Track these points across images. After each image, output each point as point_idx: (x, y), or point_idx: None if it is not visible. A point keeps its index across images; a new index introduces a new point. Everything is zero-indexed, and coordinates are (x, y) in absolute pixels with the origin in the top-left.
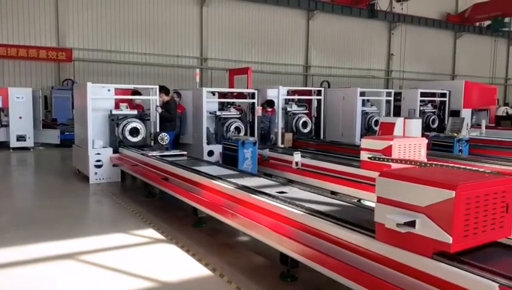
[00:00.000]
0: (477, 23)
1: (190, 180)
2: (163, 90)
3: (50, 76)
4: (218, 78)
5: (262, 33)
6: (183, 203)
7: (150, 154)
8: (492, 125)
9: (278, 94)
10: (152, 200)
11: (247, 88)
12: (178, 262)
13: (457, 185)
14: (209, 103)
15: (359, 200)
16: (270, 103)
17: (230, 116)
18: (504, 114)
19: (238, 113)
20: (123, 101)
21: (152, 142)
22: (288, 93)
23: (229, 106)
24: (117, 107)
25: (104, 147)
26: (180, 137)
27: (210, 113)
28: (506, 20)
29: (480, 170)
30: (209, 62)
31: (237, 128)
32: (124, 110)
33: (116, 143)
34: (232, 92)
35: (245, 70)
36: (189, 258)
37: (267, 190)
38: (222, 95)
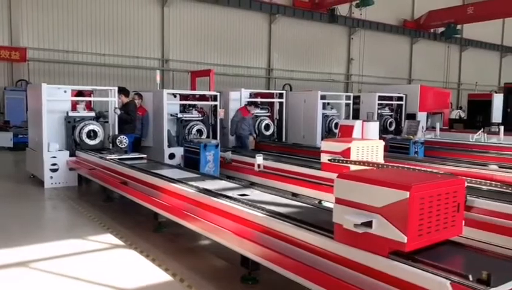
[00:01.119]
0: (432, 30)
1: (150, 184)
2: (123, 91)
3: (2, 76)
4: (180, 80)
5: (225, 35)
6: (143, 208)
7: (108, 157)
8: (446, 128)
9: (240, 97)
10: (110, 205)
11: (210, 90)
12: (137, 268)
13: (411, 186)
14: (170, 105)
15: (320, 201)
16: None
17: (192, 118)
18: (457, 117)
19: (200, 115)
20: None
21: (110, 145)
22: (251, 96)
23: (190, 108)
24: (74, 108)
25: (60, 150)
26: (142, 140)
27: (171, 115)
28: (458, 27)
29: (434, 171)
30: (171, 64)
31: (199, 131)
32: (81, 112)
33: (73, 146)
34: (194, 94)
35: (207, 73)
36: (148, 263)
37: (228, 193)
38: (184, 97)
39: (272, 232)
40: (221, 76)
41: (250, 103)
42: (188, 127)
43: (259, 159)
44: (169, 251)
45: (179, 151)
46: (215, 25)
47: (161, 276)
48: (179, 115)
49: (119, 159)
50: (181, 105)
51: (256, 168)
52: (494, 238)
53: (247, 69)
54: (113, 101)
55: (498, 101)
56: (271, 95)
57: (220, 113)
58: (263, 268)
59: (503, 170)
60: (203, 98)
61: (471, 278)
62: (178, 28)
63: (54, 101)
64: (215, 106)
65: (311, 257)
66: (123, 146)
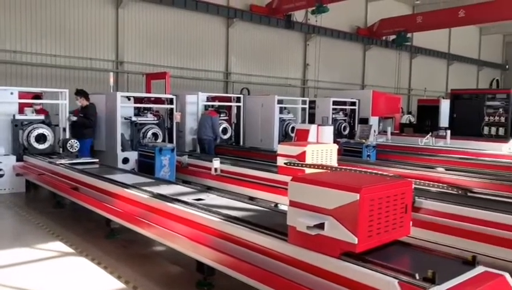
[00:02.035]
0: (384, 37)
1: (102, 190)
2: (83, 94)
3: None
4: (135, 82)
5: (182, 38)
6: (94, 214)
7: (58, 162)
8: (397, 132)
9: (197, 100)
10: (61, 212)
11: (165, 93)
12: (88, 276)
13: (361, 188)
14: (124, 108)
15: (276, 204)
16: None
17: (147, 121)
18: (407, 122)
19: (156, 118)
20: (29, 105)
21: (61, 149)
22: (208, 99)
23: (145, 111)
24: (21, 111)
25: (5, 155)
26: (94, 143)
27: (125, 118)
28: (409, 35)
29: (384, 173)
30: (125, 66)
31: (155, 135)
32: (29, 115)
33: (20, 150)
34: (149, 97)
35: (163, 75)
36: (100, 271)
37: (183, 198)
38: (138, 100)
39: (227, 237)
40: (178, 79)
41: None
42: (143, 130)
43: (216, 163)
44: (122, 257)
45: (133, 155)
46: (172, 28)
47: (113, 284)
48: (133, 118)
49: (69, 163)
50: (135, 108)
51: (213, 172)
52: (440, 238)
53: (204, 72)
54: (63, 103)
55: (445, 106)
56: (229, 99)
57: (176, 116)
58: (219, 273)
59: (449, 172)
60: (158, 101)
61: (417, 277)
62: (133, 29)
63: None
64: (171, 109)
65: (266, 260)
66: (74, 150)
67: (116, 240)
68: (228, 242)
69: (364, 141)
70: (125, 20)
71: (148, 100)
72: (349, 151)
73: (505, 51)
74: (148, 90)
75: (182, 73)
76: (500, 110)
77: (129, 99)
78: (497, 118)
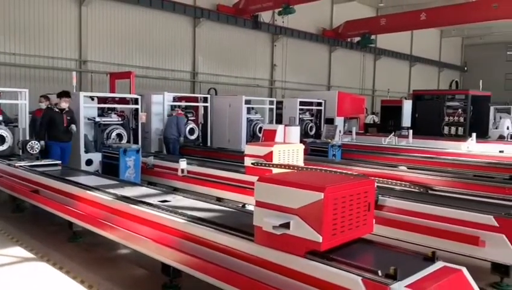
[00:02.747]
0: (349, 39)
1: (64, 192)
2: (67, 95)
3: None
4: (99, 82)
5: (147, 37)
6: (56, 218)
7: (17, 164)
8: (362, 132)
9: (163, 100)
10: (20, 216)
11: (130, 93)
12: (49, 281)
13: (326, 187)
14: (88, 109)
15: (244, 205)
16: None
17: (111, 122)
18: (371, 122)
19: (120, 119)
20: None
21: (20, 151)
22: (175, 99)
23: (109, 111)
24: None
25: None
26: None
27: (88, 119)
28: (373, 37)
29: (349, 173)
30: (89, 65)
31: (119, 136)
32: None
33: None
34: (113, 97)
35: (127, 75)
36: (62, 276)
37: (148, 200)
38: (102, 100)
39: (193, 238)
40: (143, 79)
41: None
42: (107, 131)
43: (182, 164)
44: (85, 261)
45: (96, 157)
46: (137, 27)
47: (76, 289)
48: (97, 119)
49: (29, 166)
50: (99, 108)
51: (179, 173)
52: (403, 234)
53: (171, 72)
54: (23, 104)
55: (408, 106)
56: (195, 99)
57: (142, 117)
58: (185, 275)
59: (411, 170)
60: (123, 101)
61: (380, 274)
62: (97, 28)
63: None
64: (137, 109)
65: (233, 261)
66: (34, 152)
67: (78, 244)
68: (194, 243)
69: (330, 140)
70: (88, 18)
71: (113, 100)
72: (315, 151)
73: (464, 54)
74: (112, 90)
75: (148, 73)
76: (459, 110)
77: (93, 99)
78: (456, 118)
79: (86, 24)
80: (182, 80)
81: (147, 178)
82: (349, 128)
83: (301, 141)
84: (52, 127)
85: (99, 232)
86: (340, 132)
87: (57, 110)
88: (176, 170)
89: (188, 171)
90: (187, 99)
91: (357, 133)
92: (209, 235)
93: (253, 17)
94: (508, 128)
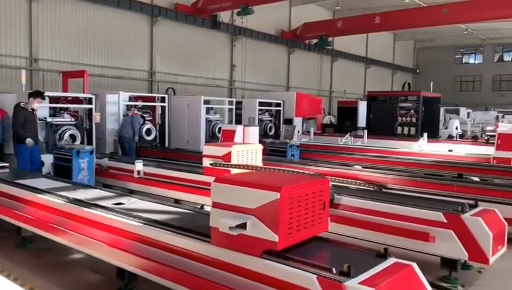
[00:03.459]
0: (307, 41)
1: (11, 196)
2: (42, 96)
3: None
4: (51, 81)
5: (103, 35)
6: (3, 223)
7: None
8: (319, 132)
9: (118, 100)
10: None
11: (84, 92)
12: None
13: (282, 187)
14: (39, 108)
15: (202, 206)
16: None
17: (63, 122)
18: (329, 122)
19: (74, 119)
20: None
21: None
22: (131, 99)
23: (62, 111)
24: None
25: None
26: (5, 145)
27: (40, 119)
28: (330, 39)
29: (306, 172)
30: (41, 63)
31: (72, 136)
32: None
33: None
34: (66, 97)
35: (81, 73)
36: (9, 283)
37: (102, 202)
38: (54, 99)
39: (149, 241)
40: (99, 78)
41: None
42: (59, 132)
43: (138, 166)
44: (35, 268)
45: (48, 158)
46: (92, 24)
47: None
48: (49, 119)
49: None
50: (51, 108)
51: (135, 175)
52: (358, 232)
53: (127, 71)
54: None
55: (363, 107)
56: (152, 99)
57: (96, 117)
58: (140, 279)
59: (366, 169)
60: (76, 100)
61: (334, 271)
62: (49, 25)
63: None
64: (90, 109)
65: (190, 263)
66: None
67: (28, 250)
68: (149, 246)
69: (288, 141)
70: (39, 15)
71: (65, 100)
72: (274, 151)
73: (416, 56)
74: (65, 90)
75: (104, 71)
76: (412, 111)
77: (44, 98)
78: (408, 118)
79: (37, 20)
80: (139, 80)
81: (102, 180)
82: (308, 129)
83: (260, 141)
84: (24, 127)
85: (51, 237)
86: (298, 132)
87: (30, 109)
88: (132, 171)
89: (145, 173)
90: (144, 99)
91: (314, 134)
92: (165, 237)
93: (212, 17)
94: (456, 128)
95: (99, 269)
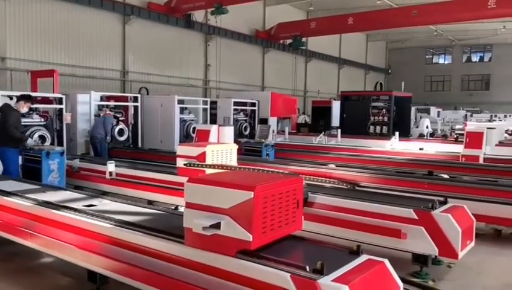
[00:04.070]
0: (281, 41)
1: None
2: (31, 100)
3: None
4: (19, 80)
5: (73, 34)
6: None
7: None
8: (294, 131)
9: (89, 100)
10: None
11: (54, 92)
12: None
13: (255, 186)
14: None
15: (176, 207)
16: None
17: (32, 123)
18: (303, 122)
19: (43, 120)
20: None
21: None
22: (102, 99)
23: (31, 112)
24: None
25: None
26: None
27: None
28: (304, 39)
29: (280, 171)
30: (8, 62)
31: (42, 137)
32: None
33: None
34: (35, 97)
35: (51, 73)
36: None
37: (73, 204)
38: None
39: (121, 243)
40: (69, 77)
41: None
42: (28, 133)
43: (110, 167)
44: (2, 272)
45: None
46: (63, 22)
47: None
48: None
49: None
50: None
51: (107, 176)
52: (332, 230)
53: (99, 71)
54: None
55: (336, 107)
56: (125, 99)
57: (67, 117)
58: (112, 281)
59: (339, 168)
60: (46, 100)
61: (308, 269)
62: (18, 24)
63: None
64: (61, 109)
65: (163, 265)
66: None
67: None
68: (122, 248)
69: (263, 140)
70: (7, 12)
71: (34, 100)
72: (249, 151)
73: (388, 57)
74: (34, 90)
75: (75, 71)
76: (384, 110)
77: (11, 98)
78: (381, 117)
79: (4, 18)
80: (111, 79)
81: (73, 182)
82: (282, 128)
83: (235, 141)
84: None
85: (19, 241)
86: (273, 131)
87: (20, 112)
88: (104, 172)
89: (117, 174)
90: (116, 99)
91: (289, 133)
92: (137, 239)
93: (185, 16)
94: (427, 127)
95: (70, 272)
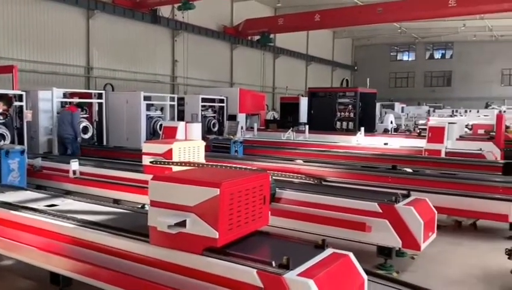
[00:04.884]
0: (250, 37)
1: None
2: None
3: None
4: None
5: (35, 29)
6: None
7: None
8: (263, 128)
9: (52, 97)
10: None
11: (13, 89)
12: None
13: (221, 183)
14: None
15: (143, 205)
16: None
17: None
18: (272, 118)
19: (2, 118)
20: None
21: None
22: (65, 95)
23: None
24: None
25: None
26: None
27: None
28: (272, 36)
29: (249, 167)
30: None
31: (1, 136)
32: None
33: None
34: None
35: (9, 69)
36: None
37: (33, 205)
38: None
39: (84, 243)
40: (30, 73)
41: None
42: None
43: (74, 165)
44: None
45: None
46: (23, 16)
47: None
48: None
49: None
50: None
51: (71, 175)
52: (299, 225)
53: (63, 67)
54: None
55: (304, 103)
56: (89, 95)
57: (27, 115)
58: (76, 283)
59: (307, 163)
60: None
61: (274, 264)
62: None
63: None
64: (21, 106)
65: (128, 264)
66: None
67: None
68: (85, 249)
69: (232, 137)
70: None
71: None
72: (218, 148)
73: (354, 54)
74: None
75: (36, 67)
76: (350, 106)
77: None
78: (347, 113)
79: None
80: (75, 75)
81: (35, 181)
82: (251, 125)
83: (204, 138)
84: None
85: None
86: (242, 128)
87: None
88: (67, 171)
89: (81, 173)
90: (80, 95)
91: (258, 129)
92: (101, 239)
93: (151, 11)
94: (391, 122)
95: (31, 275)
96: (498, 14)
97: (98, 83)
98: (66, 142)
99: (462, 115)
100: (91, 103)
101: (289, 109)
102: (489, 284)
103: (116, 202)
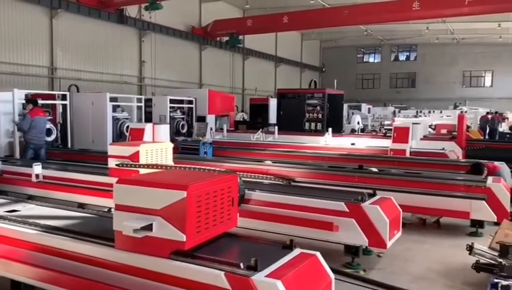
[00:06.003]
0: (218, 38)
1: None
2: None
3: None
4: None
5: None
6: None
7: None
8: (232, 129)
9: (13, 98)
10: None
11: None
12: None
13: (188, 185)
14: None
15: (109, 209)
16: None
17: None
18: (241, 119)
19: None
20: None
21: None
22: (27, 97)
23: None
24: None
25: None
26: None
27: None
28: (241, 37)
29: (217, 169)
30: None
31: None
32: None
33: None
34: None
35: None
36: None
37: None
38: None
39: (47, 249)
40: None
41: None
42: None
43: (37, 169)
44: None
45: None
46: None
47: None
48: None
49: None
50: None
51: (34, 179)
52: (268, 226)
53: (25, 67)
54: None
55: (273, 104)
56: (52, 97)
57: None
58: None
59: (276, 164)
60: None
61: (242, 266)
62: None
63: None
64: None
65: (93, 270)
66: None
67: None
68: (48, 255)
69: (201, 138)
70: None
71: None
72: (187, 149)
73: (322, 56)
74: None
75: None
76: (318, 107)
77: None
78: (315, 114)
79: None
80: (38, 76)
81: None
82: (221, 126)
83: (172, 140)
84: None
85: None
86: (211, 129)
87: None
88: (30, 175)
89: (45, 176)
90: (43, 96)
91: (228, 130)
92: (65, 244)
93: (118, 11)
94: (358, 123)
95: None
96: (459, 18)
97: (62, 84)
98: (35, 148)
99: (426, 116)
100: (55, 105)
101: (258, 110)
102: (451, 280)
103: (81, 206)
